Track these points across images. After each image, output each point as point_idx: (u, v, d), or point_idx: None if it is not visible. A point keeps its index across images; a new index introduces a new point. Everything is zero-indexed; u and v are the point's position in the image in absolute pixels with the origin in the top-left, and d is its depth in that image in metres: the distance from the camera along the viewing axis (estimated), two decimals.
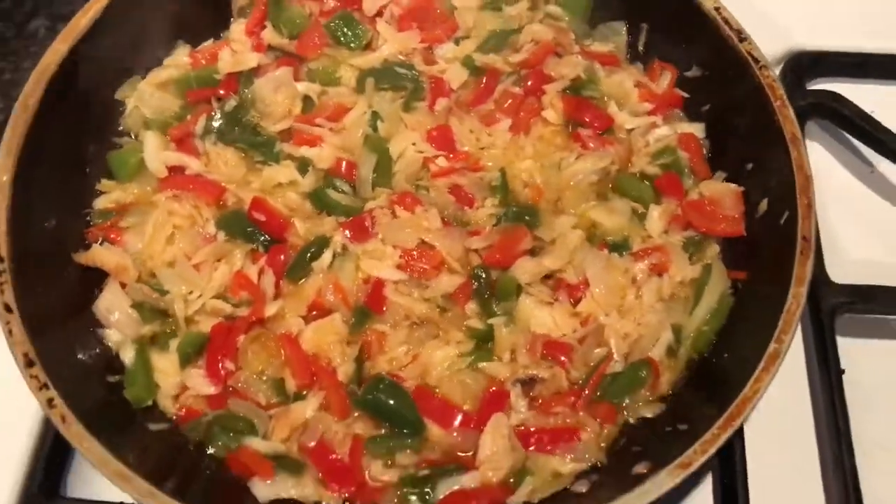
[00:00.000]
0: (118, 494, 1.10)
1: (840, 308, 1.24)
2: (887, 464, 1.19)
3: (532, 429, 1.08)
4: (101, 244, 1.19)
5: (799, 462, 1.20)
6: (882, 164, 1.47)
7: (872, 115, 1.42)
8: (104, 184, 1.24)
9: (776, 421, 1.20)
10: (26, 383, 0.99)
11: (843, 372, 1.20)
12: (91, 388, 1.07)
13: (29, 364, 1.00)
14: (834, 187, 1.44)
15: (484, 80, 1.34)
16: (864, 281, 1.28)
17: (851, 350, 1.25)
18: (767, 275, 1.13)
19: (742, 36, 1.25)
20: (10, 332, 1.02)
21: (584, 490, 1.03)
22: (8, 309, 1.03)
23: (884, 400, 1.24)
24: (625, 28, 1.41)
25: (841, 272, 1.28)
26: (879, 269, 1.35)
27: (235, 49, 1.35)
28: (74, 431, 0.96)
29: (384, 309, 1.15)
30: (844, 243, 1.40)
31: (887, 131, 1.39)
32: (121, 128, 1.30)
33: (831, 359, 1.21)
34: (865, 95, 1.46)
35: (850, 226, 1.42)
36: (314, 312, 1.15)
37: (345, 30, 1.36)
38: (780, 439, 1.20)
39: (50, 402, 0.98)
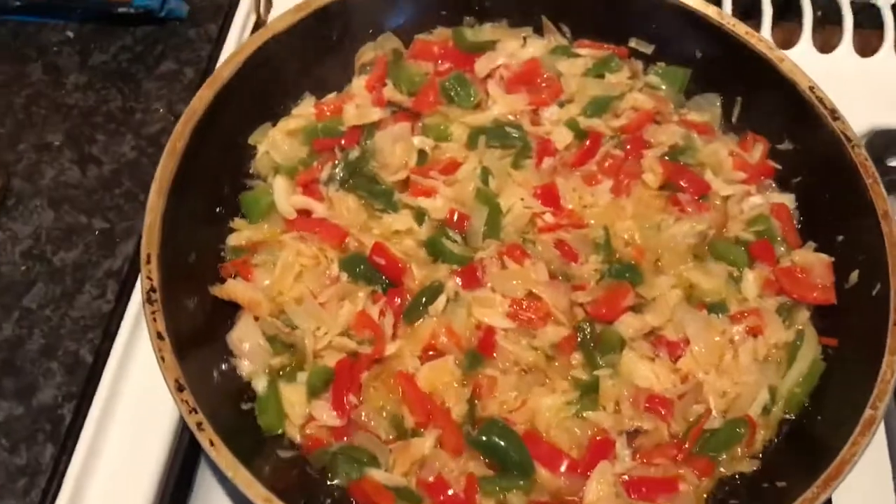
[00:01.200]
0: None
1: None
2: None
3: (635, 478, 1.15)
4: (234, 278, 1.28)
5: None
6: None
7: None
8: (237, 223, 1.34)
9: (860, 482, 1.26)
10: (178, 407, 1.08)
11: None
12: (227, 414, 1.16)
13: (180, 389, 1.09)
14: None
15: (587, 143, 1.42)
16: None
17: None
18: (859, 343, 1.20)
19: (835, 115, 1.33)
20: (162, 359, 1.11)
21: None
22: (160, 336, 1.12)
23: None
24: (719, 100, 1.49)
25: None
26: None
27: (359, 103, 1.45)
28: (223, 455, 1.04)
29: (494, 354, 1.23)
30: None
31: None
32: (252, 171, 1.40)
33: None
34: None
35: None
36: (429, 353, 1.24)
37: (458, 89, 1.46)
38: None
39: (199, 426, 1.06)
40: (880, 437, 1.33)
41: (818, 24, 1.76)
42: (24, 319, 1.35)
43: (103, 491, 1.20)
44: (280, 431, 1.19)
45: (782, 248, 1.35)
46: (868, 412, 1.09)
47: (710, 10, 1.44)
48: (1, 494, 1.20)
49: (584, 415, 1.19)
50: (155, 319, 1.13)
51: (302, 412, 1.19)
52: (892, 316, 1.17)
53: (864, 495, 1.26)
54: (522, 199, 1.36)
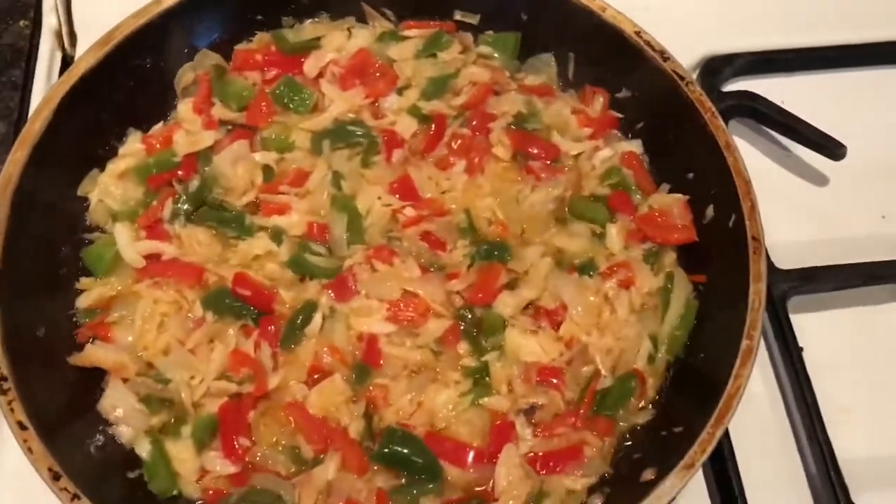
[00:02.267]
0: None
1: (789, 293, 1.37)
2: (853, 423, 1.32)
3: (540, 453, 1.16)
4: (92, 343, 1.20)
5: (775, 439, 1.31)
6: (797, 148, 1.60)
7: (782, 105, 1.55)
8: (83, 282, 1.25)
9: (750, 404, 1.31)
10: (57, 496, 1.01)
11: (801, 350, 1.33)
12: (116, 489, 1.09)
13: (56, 478, 1.02)
14: (757, 177, 1.57)
15: (433, 127, 1.40)
16: (801, 261, 1.41)
17: (803, 325, 1.38)
18: (725, 275, 1.24)
19: (665, 56, 1.36)
20: (30, 450, 1.03)
21: (599, 502, 1.12)
22: (22, 426, 1.04)
23: (840, 365, 1.37)
24: (553, 60, 1.49)
25: (780, 256, 1.41)
26: (811, 247, 1.48)
27: (188, 129, 1.37)
28: None
29: (381, 362, 1.20)
30: (776, 226, 1.52)
31: (800, 121, 1.53)
32: (88, 223, 1.31)
33: (790, 340, 1.33)
34: (773, 89, 1.60)
35: (779, 210, 1.54)
36: (315, 376, 1.20)
37: (291, 95, 1.41)
38: (755, 420, 1.31)
39: None
40: (765, 361, 1.38)
41: None
42: None
43: None
44: (175, 492, 1.13)
45: (638, 196, 1.37)
46: (745, 343, 1.13)
47: None
48: None
49: (480, 402, 1.19)
50: (13, 409, 1.05)
51: (194, 467, 1.14)
52: (751, 244, 1.21)
53: (757, 412, 1.32)
54: (380, 198, 1.33)
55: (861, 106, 1.65)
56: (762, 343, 1.37)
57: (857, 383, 1.37)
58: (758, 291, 1.17)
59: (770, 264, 1.37)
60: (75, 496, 1.01)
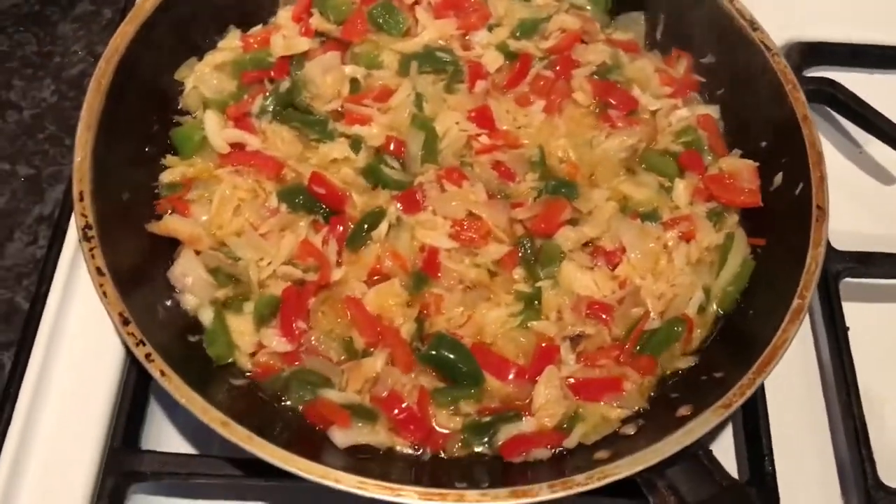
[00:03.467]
0: (185, 448, 1.21)
1: (843, 273, 1.38)
2: (889, 411, 1.33)
3: (580, 379, 1.19)
4: (170, 214, 1.27)
5: (808, 412, 1.33)
6: (869, 144, 1.61)
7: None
8: (169, 159, 1.31)
9: (789, 373, 1.33)
10: (125, 340, 1.07)
11: (847, 329, 1.34)
12: (175, 347, 1.15)
13: (125, 322, 1.08)
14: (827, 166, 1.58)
15: (517, 65, 1.44)
16: (859, 248, 1.42)
17: (852, 312, 1.39)
18: (785, 240, 1.26)
19: (755, 25, 1.38)
20: (104, 294, 1.09)
21: (632, 432, 1.15)
22: (100, 272, 1.11)
23: (883, 357, 1.38)
24: (643, 18, 1.52)
25: (839, 241, 1.42)
26: (870, 239, 1.48)
27: (285, 34, 1.43)
28: (175, 384, 1.04)
29: (439, 274, 1.25)
30: (838, 216, 1.53)
31: (878, 114, 1.54)
32: (181, 107, 1.37)
33: (837, 317, 1.34)
34: (854, 83, 1.60)
35: (842, 200, 1.55)
36: (375, 278, 1.25)
37: (386, 17, 1.45)
38: (792, 390, 1.33)
39: (148, 357, 1.06)
40: (808, 337, 1.40)
41: None
42: None
43: (54, 433, 1.18)
44: (230, 360, 1.19)
45: (709, 158, 1.39)
46: (796, 301, 1.15)
47: None
48: None
49: (529, 325, 1.22)
50: (93, 255, 1.12)
51: (251, 340, 1.19)
52: (815, 212, 1.23)
53: (793, 387, 1.33)
54: (458, 123, 1.37)
55: None
56: (807, 319, 1.40)
57: None
58: (815, 256, 1.19)
59: (827, 244, 1.39)
60: (140, 342, 1.07)
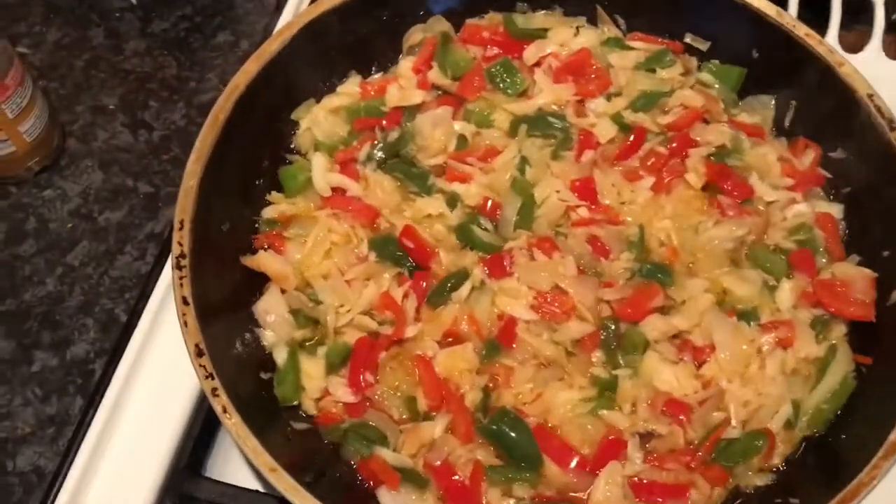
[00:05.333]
0: (248, 481, 1.24)
1: None
2: None
3: (645, 481, 1.13)
4: (266, 251, 1.31)
5: None
6: None
7: None
8: (273, 195, 1.36)
9: None
10: (195, 371, 1.10)
11: None
12: (245, 382, 1.18)
13: (199, 354, 1.11)
14: None
15: (631, 138, 1.40)
16: None
17: None
18: (894, 364, 1.16)
19: (893, 126, 1.28)
20: (185, 324, 1.14)
21: None
22: (185, 302, 1.15)
23: None
24: (773, 102, 1.44)
25: None
26: None
27: (402, 84, 1.45)
28: (234, 422, 1.07)
29: (514, 346, 1.22)
30: None
31: None
32: (292, 146, 1.42)
33: None
34: None
35: None
36: (449, 339, 1.24)
37: (504, 76, 1.45)
38: None
39: (214, 391, 1.09)
40: None
41: (891, 29, 1.68)
42: (66, 276, 1.40)
43: (126, 445, 1.24)
44: (296, 403, 1.21)
45: (823, 260, 1.30)
46: (893, 436, 1.05)
47: (771, 9, 1.39)
48: (30, 441, 1.26)
49: (600, 413, 1.18)
50: (181, 284, 1.16)
51: (319, 386, 1.21)
52: None
53: None
54: (558, 192, 1.34)
55: None
56: None
57: None
58: None
59: None
60: (210, 376, 1.10)
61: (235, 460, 1.30)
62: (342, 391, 1.20)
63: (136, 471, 1.21)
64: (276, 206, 1.35)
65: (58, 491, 1.19)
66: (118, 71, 1.63)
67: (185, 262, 1.18)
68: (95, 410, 1.25)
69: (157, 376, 1.29)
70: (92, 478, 1.21)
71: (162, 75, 1.62)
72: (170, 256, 1.32)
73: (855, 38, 1.74)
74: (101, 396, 1.26)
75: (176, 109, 1.58)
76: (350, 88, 1.46)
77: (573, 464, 1.14)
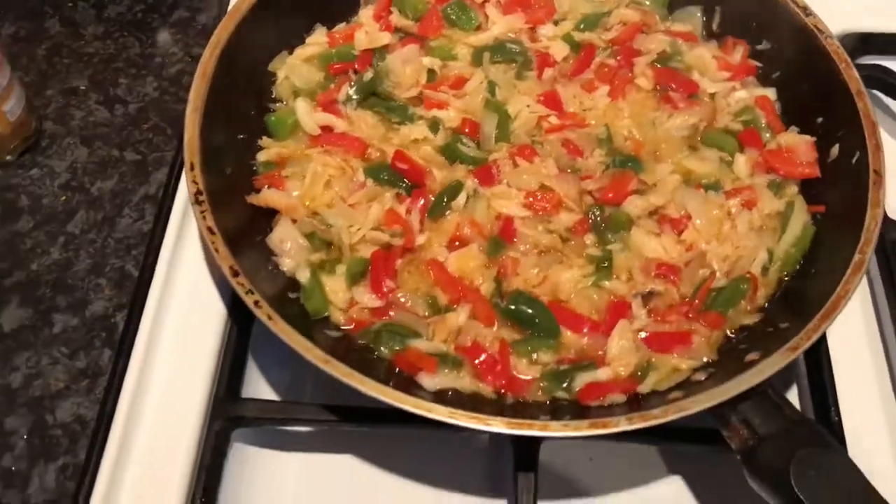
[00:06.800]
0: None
1: None
2: None
3: (651, 333, 1.26)
4: (268, 188, 1.38)
5: (871, 370, 1.37)
6: None
7: None
8: (265, 141, 1.43)
9: (850, 334, 1.38)
10: (236, 289, 1.17)
11: None
12: (278, 300, 1.24)
13: (235, 274, 1.18)
14: None
15: (582, 54, 1.54)
16: None
17: None
18: (844, 205, 1.33)
19: (808, 12, 1.47)
20: (216, 251, 1.20)
21: (703, 378, 1.21)
22: (211, 231, 1.22)
23: None
24: (700, 11, 1.62)
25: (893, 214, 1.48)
26: None
27: (367, 30, 1.55)
28: (281, 326, 1.14)
29: (515, 240, 1.33)
30: (891, 193, 1.57)
31: None
32: (273, 95, 1.50)
33: None
34: None
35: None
36: (456, 243, 1.34)
37: (459, 14, 1.58)
38: (853, 351, 1.38)
39: (257, 304, 1.16)
40: (868, 302, 1.45)
41: None
42: (70, 243, 1.43)
43: (163, 385, 1.28)
44: (326, 314, 1.28)
45: (767, 135, 1.47)
46: (857, 256, 1.22)
47: None
48: (66, 394, 1.29)
49: (601, 284, 1.30)
50: (204, 217, 1.23)
51: (345, 298, 1.29)
52: (872, 176, 1.30)
53: (855, 345, 1.39)
54: (528, 106, 1.47)
55: None
56: (865, 285, 1.45)
57: None
58: (874, 216, 1.25)
59: (884, 214, 1.45)
60: (250, 291, 1.17)
61: (263, 385, 1.36)
62: (367, 297, 1.28)
63: (180, 405, 1.26)
64: (270, 150, 1.42)
65: (105, 436, 1.23)
66: (81, 55, 1.66)
67: (203, 197, 1.25)
68: (127, 358, 1.29)
69: (181, 319, 1.34)
70: (139, 417, 1.25)
71: (126, 55, 1.66)
72: (175, 211, 1.41)
73: None
74: (131, 345, 1.30)
75: (147, 83, 1.63)
76: (318, 39, 1.56)
77: (587, 329, 1.26)
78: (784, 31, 1.50)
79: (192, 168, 1.27)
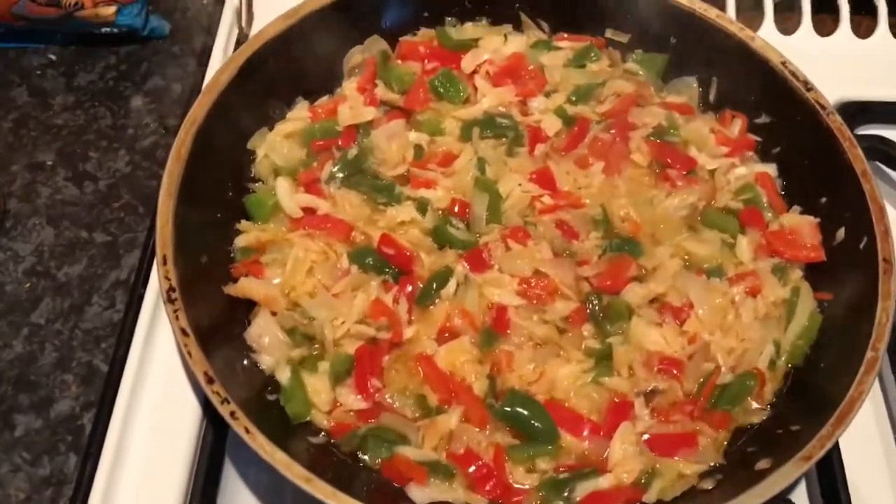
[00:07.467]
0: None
1: None
2: None
3: (655, 435, 1.19)
4: (246, 277, 1.30)
5: (884, 461, 1.31)
6: None
7: None
8: (243, 224, 1.36)
9: (863, 433, 1.31)
10: (210, 398, 1.09)
11: None
12: (256, 405, 1.17)
13: (210, 381, 1.10)
14: None
15: (575, 129, 1.48)
16: None
17: None
18: (852, 294, 1.27)
19: (808, 86, 1.42)
20: (189, 354, 1.12)
21: (710, 487, 1.14)
22: (184, 332, 1.14)
23: None
24: (696, 82, 1.56)
25: None
26: None
27: (351, 104, 1.48)
28: (260, 441, 1.06)
29: (508, 331, 1.26)
30: None
31: None
32: (253, 175, 1.43)
33: None
34: None
35: None
36: (446, 335, 1.27)
37: (447, 86, 1.51)
38: (867, 451, 1.31)
39: (233, 415, 1.08)
40: (877, 391, 1.39)
41: (777, 10, 1.85)
42: (34, 335, 1.35)
43: (133, 494, 1.20)
44: (308, 418, 1.20)
45: (769, 214, 1.41)
46: (869, 353, 1.15)
47: None
48: None
49: (601, 381, 1.23)
50: (178, 317, 1.15)
51: (327, 399, 1.21)
52: (882, 265, 1.24)
53: (869, 439, 1.32)
54: (520, 185, 1.40)
55: None
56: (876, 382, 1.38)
57: None
58: (886, 308, 1.19)
59: None
60: (225, 400, 1.09)
61: (243, 492, 1.27)
62: (352, 399, 1.20)
63: None
64: (248, 234, 1.35)
65: None
66: (49, 127, 1.58)
67: (175, 294, 1.17)
68: (95, 464, 1.20)
69: (153, 420, 1.26)
70: None
71: (97, 126, 1.59)
72: (147, 299, 1.32)
73: (745, 21, 1.89)
74: (99, 449, 1.22)
75: (118, 157, 1.55)
76: (300, 113, 1.49)
77: (587, 431, 1.19)
78: (784, 106, 1.45)
79: (164, 262, 1.19)
